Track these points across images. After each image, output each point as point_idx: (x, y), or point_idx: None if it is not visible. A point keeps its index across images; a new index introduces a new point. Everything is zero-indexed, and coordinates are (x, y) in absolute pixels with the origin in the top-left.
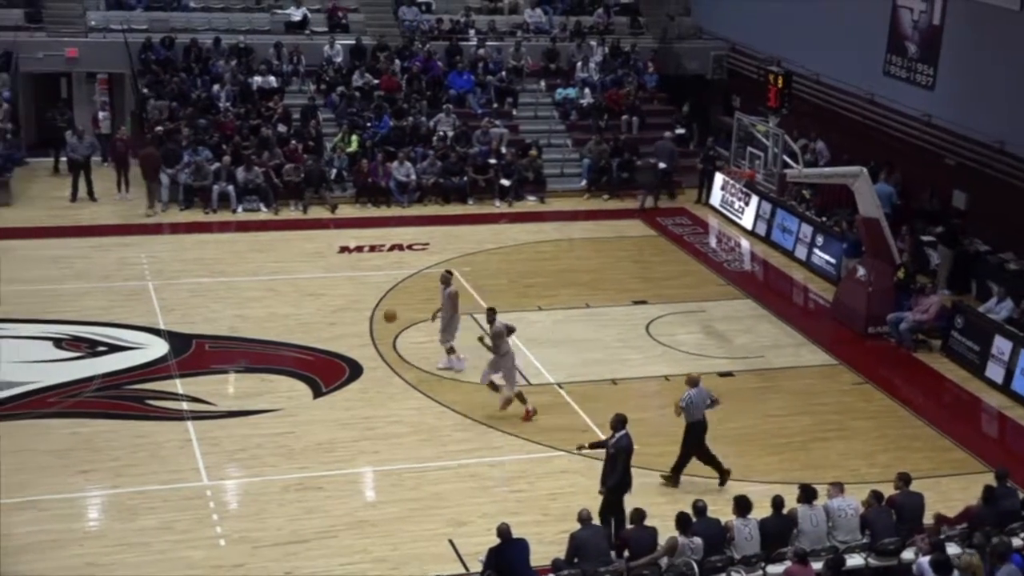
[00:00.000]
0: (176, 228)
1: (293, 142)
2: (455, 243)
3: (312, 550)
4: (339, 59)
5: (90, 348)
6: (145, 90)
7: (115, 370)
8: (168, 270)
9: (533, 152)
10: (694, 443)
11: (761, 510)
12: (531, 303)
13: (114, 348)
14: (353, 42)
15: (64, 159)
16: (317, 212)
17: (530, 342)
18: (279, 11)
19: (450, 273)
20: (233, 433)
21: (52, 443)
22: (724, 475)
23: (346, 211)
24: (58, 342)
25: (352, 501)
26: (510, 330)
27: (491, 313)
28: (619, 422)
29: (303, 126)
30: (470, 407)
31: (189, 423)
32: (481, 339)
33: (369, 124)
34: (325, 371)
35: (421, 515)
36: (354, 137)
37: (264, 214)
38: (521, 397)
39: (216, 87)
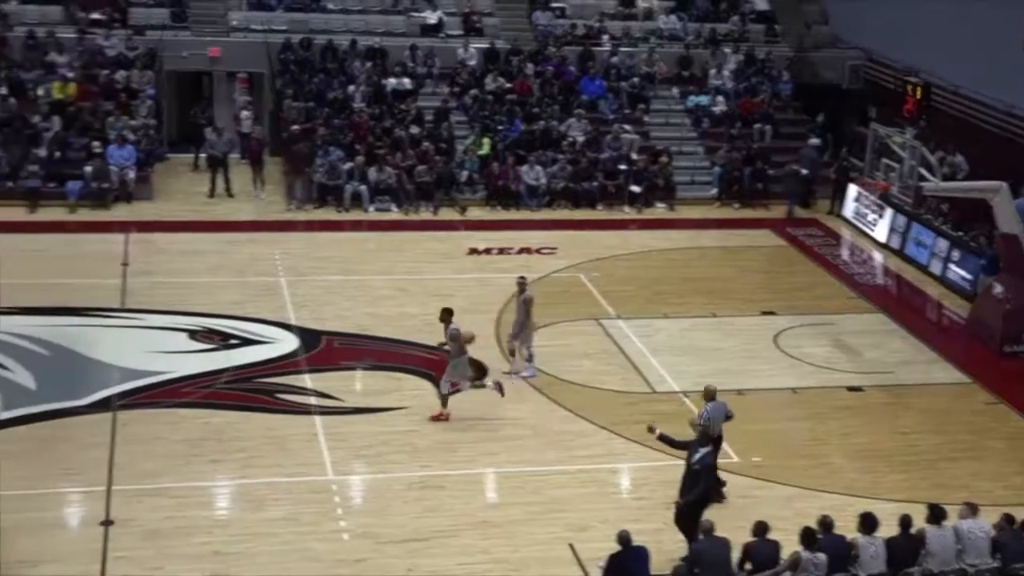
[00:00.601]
0: (309, 226)
1: (425, 144)
2: (583, 248)
3: (433, 548)
4: (473, 62)
5: (223, 341)
6: (283, 90)
7: (246, 363)
8: (300, 267)
9: (664, 159)
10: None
11: (887, 529)
12: (658, 310)
13: (246, 341)
14: (487, 46)
15: (203, 155)
16: (447, 214)
17: (655, 350)
18: (415, 14)
19: (524, 279)
20: (359, 429)
21: (184, 432)
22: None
23: (476, 213)
24: (192, 334)
25: (474, 501)
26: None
27: (446, 314)
28: (705, 439)
29: (436, 128)
30: (594, 412)
31: (316, 418)
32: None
33: (501, 127)
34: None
35: (542, 518)
36: (485, 140)
37: (395, 214)
38: (445, 400)
39: (351, 88)
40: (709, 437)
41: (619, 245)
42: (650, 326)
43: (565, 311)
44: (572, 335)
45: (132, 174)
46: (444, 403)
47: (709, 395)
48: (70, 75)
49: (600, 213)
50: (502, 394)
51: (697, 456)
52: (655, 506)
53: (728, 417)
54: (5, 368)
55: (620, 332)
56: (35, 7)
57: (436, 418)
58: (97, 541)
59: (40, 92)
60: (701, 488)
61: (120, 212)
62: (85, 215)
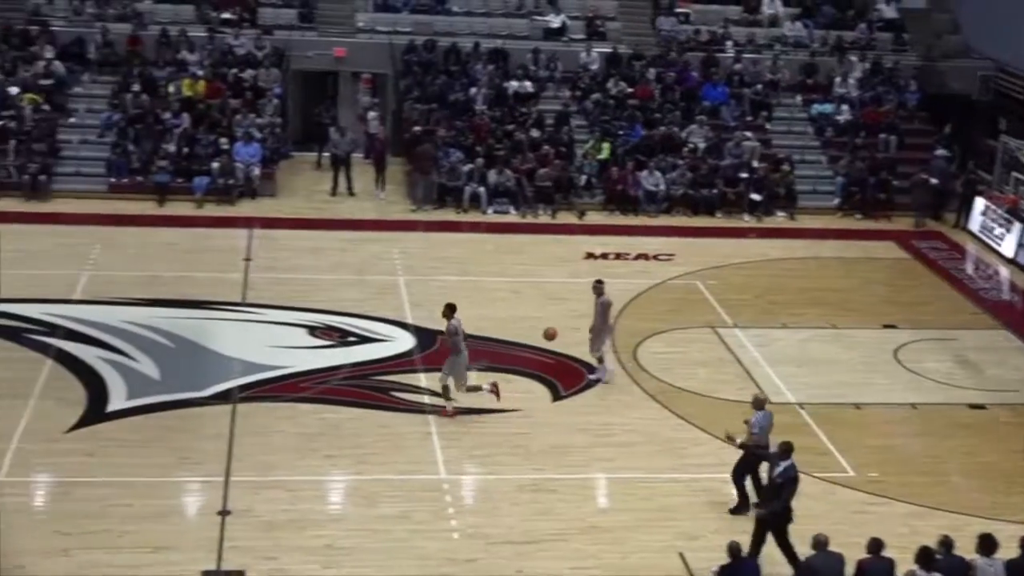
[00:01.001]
0: (428, 226)
1: (545, 147)
2: (701, 255)
3: (543, 551)
4: (595, 66)
5: (341, 338)
6: (406, 91)
7: (363, 360)
8: (418, 267)
9: (785, 167)
10: (754, 465)
11: (1007, 551)
12: (775, 320)
13: (364, 339)
14: (610, 50)
15: (326, 154)
16: (565, 217)
17: (772, 360)
18: (538, 18)
19: (601, 283)
20: (472, 430)
21: (300, 427)
22: (743, 506)
23: (594, 218)
24: (312, 330)
25: (584, 506)
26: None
27: (449, 310)
28: (786, 451)
29: (556, 132)
30: (708, 421)
31: (430, 417)
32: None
33: (621, 132)
34: (564, 375)
35: (652, 526)
36: (605, 144)
37: (513, 217)
38: (447, 392)
39: (473, 90)
40: (789, 450)
41: (737, 253)
42: (767, 336)
43: (681, 318)
44: (687, 342)
45: (257, 171)
46: (447, 395)
47: (758, 404)
48: (200, 73)
49: (719, 220)
50: (497, 397)
51: (779, 469)
52: None
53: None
54: (131, 358)
55: (736, 341)
56: (168, 6)
57: (444, 414)
58: (214, 530)
59: (171, 89)
60: (783, 502)
61: (244, 208)
62: (211, 210)
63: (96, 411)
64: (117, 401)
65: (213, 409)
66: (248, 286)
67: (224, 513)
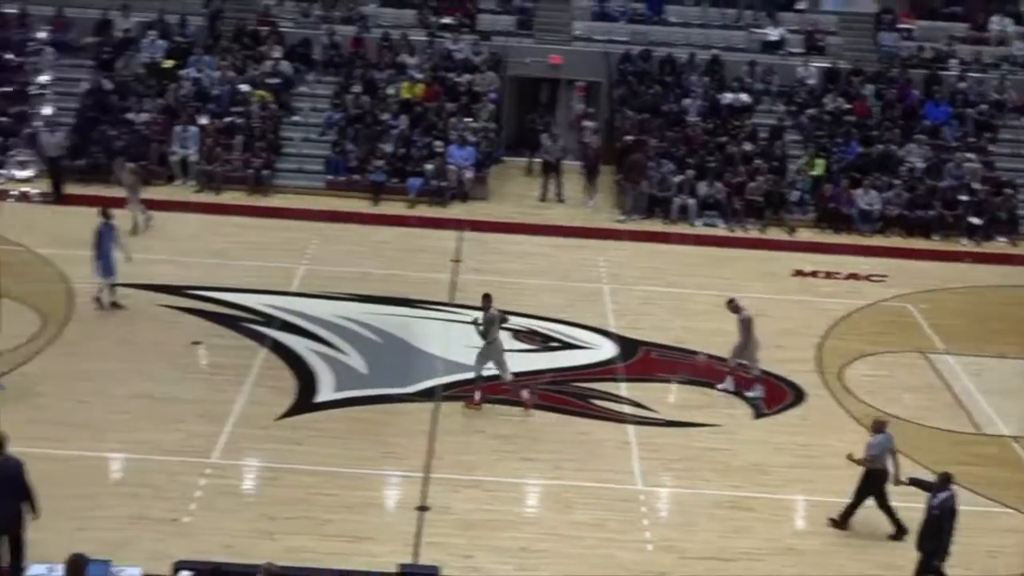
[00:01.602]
0: (635, 236)
1: (757, 161)
2: (915, 278)
3: (737, 570)
4: (812, 81)
5: (544, 343)
6: (620, 100)
7: (565, 366)
8: (623, 275)
9: (1008, 191)
10: (872, 491)
11: None
12: (993, 349)
13: (566, 345)
14: (828, 65)
15: (538, 160)
16: (775, 233)
17: (985, 390)
18: (756, 30)
19: (733, 300)
20: (671, 442)
21: (500, 428)
22: (900, 531)
23: (804, 235)
24: (516, 333)
25: (782, 527)
26: (502, 319)
27: (486, 300)
28: (945, 481)
29: (769, 146)
30: (912, 448)
31: (629, 427)
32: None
33: (836, 149)
34: (768, 393)
35: (851, 552)
36: (820, 161)
37: (721, 230)
38: (480, 379)
39: (687, 101)
40: (948, 479)
41: (953, 277)
42: (981, 364)
43: (890, 341)
44: (896, 366)
45: (470, 174)
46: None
47: (878, 427)
48: (419, 76)
49: (935, 243)
50: (527, 407)
51: (937, 500)
52: (973, 552)
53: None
54: (341, 351)
55: (947, 368)
56: (391, 10)
57: (471, 404)
58: (412, 525)
59: (390, 91)
60: (943, 535)
61: (455, 210)
62: (423, 211)
63: (305, 401)
64: (326, 392)
65: (417, 406)
66: (456, 287)
67: (423, 509)
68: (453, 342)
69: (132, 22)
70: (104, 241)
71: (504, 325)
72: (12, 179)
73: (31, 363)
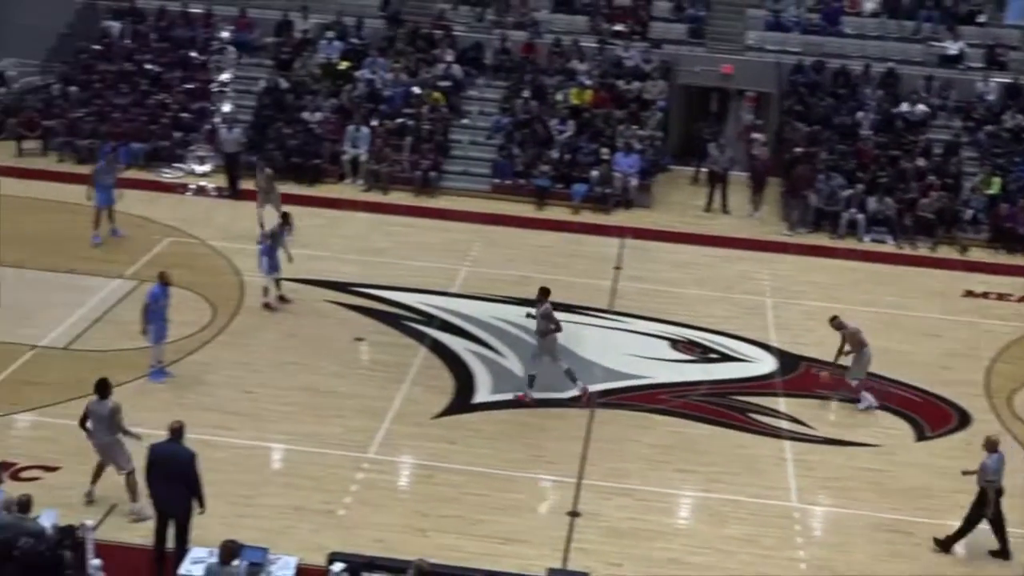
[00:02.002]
0: (800, 249)
1: (931, 177)
2: None
3: None
4: (992, 97)
5: (703, 353)
6: (790, 111)
7: (723, 378)
8: (787, 289)
9: None
10: (987, 509)
11: None
12: None
13: (725, 357)
14: (1010, 81)
15: (704, 170)
16: (946, 251)
17: None
18: (935, 43)
19: (836, 317)
20: (828, 460)
21: (654, 438)
22: (1005, 551)
23: (977, 254)
24: (674, 343)
25: (942, 555)
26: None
27: (542, 294)
28: None
29: (943, 162)
30: None
31: (786, 442)
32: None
33: (1014, 168)
34: (931, 415)
35: None
36: (996, 179)
37: (890, 246)
38: (532, 381)
39: (860, 114)
40: None
41: None
42: None
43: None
44: None
45: (635, 182)
46: (530, 384)
47: (991, 447)
48: (588, 82)
49: None
50: (585, 404)
51: None
52: None
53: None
54: (499, 353)
55: None
56: (564, 16)
57: (520, 399)
58: (562, 530)
59: (559, 97)
60: None
61: (619, 217)
62: (586, 217)
63: (462, 401)
64: (482, 393)
65: (572, 411)
66: (616, 294)
67: (574, 514)
68: (611, 349)
69: (311, 23)
70: (276, 241)
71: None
72: (191, 173)
73: (201, 352)
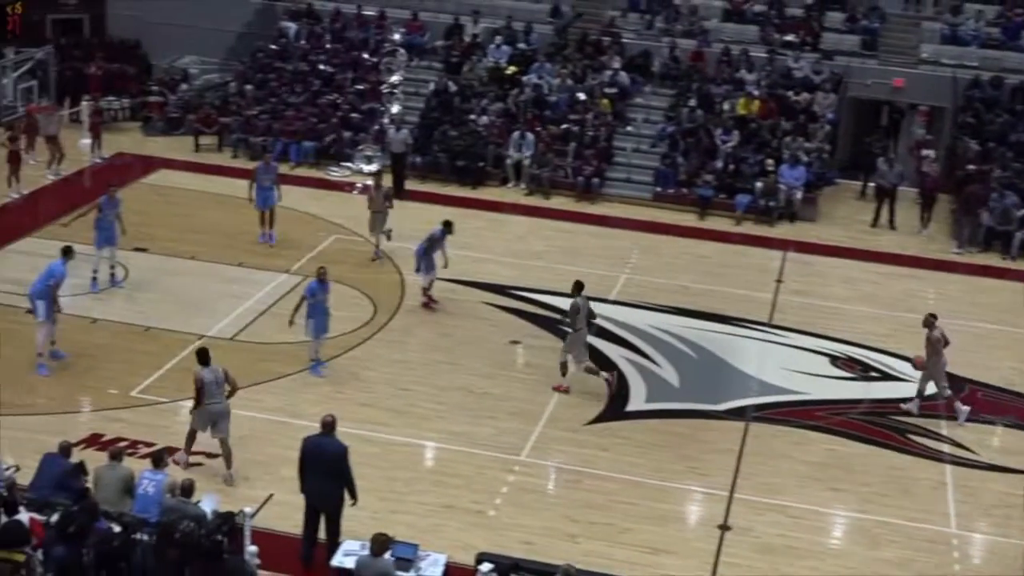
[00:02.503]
0: (969, 269)
1: None
2: None
3: None
4: None
5: (863, 371)
6: (963, 127)
7: (883, 398)
8: (954, 310)
9: None
10: None
11: None
12: None
13: (886, 376)
14: None
15: (872, 184)
16: None
17: None
18: None
19: (934, 317)
20: (991, 487)
21: (808, 455)
22: None
23: None
24: (834, 360)
25: None
26: (591, 313)
27: (576, 288)
28: None
29: None
30: None
31: (947, 467)
32: None
33: None
34: None
35: None
36: None
37: None
38: (564, 369)
39: None
40: None
41: None
42: None
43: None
44: None
45: (799, 195)
46: (563, 372)
47: None
48: (755, 93)
49: None
50: (610, 387)
51: None
52: None
53: None
54: (654, 362)
55: None
56: (734, 25)
57: (557, 389)
58: (712, 543)
59: (726, 107)
60: None
61: (782, 230)
62: (748, 228)
63: (616, 408)
64: (636, 402)
65: (726, 424)
66: (776, 308)
67: (724, 528)
68: (769, 363)
69: (481, 28)
70: (434, 244)
71: (593, 320)
72: (358, 172)
73: (360, 348)
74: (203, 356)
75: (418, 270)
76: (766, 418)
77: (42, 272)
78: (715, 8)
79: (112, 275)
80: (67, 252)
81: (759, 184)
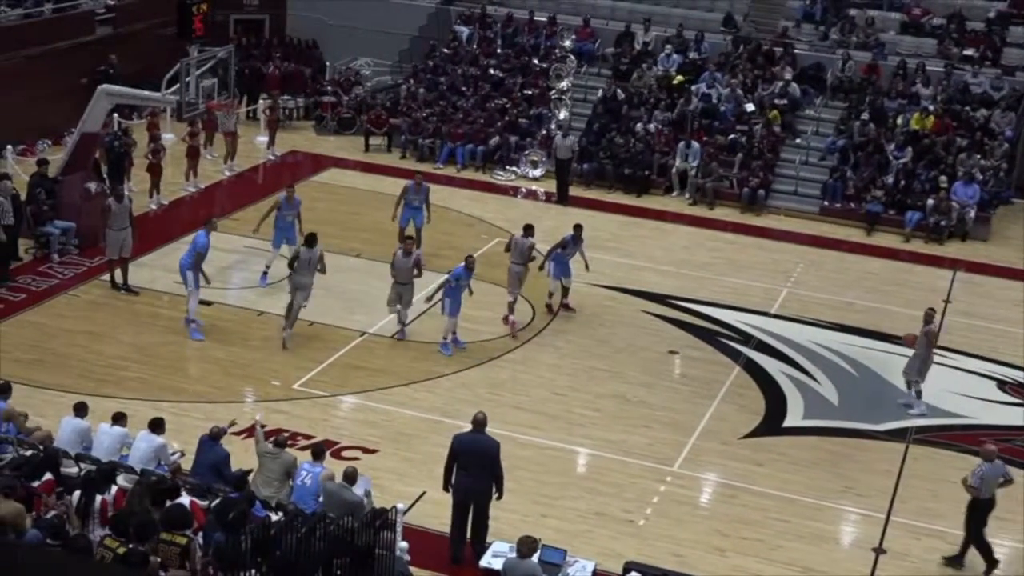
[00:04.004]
0: None
1: None
2: None
3: None
4: None
5: None
6: None
7: None
8: None
9: None
10: (980, 522)
11: None
12: None
13: None
14: None
15: None
16: None
17: None
18: None
19: (933, 311)
20: None
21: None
22: (991, 564)
23: None
24: (1002, 384)
25: None
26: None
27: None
28: None
29: None
30: None
31: None
32: None
33: None
34: None
35: None
36: None
37: None
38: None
39: None
40: None
41: None
42: None
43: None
44: None
45: (972, 213)
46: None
47: (987, 456)
48: (931, 108)
49: None
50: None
51: None
52: None
53: (1004, 482)
54: (814, 379)
55: None
56: (911, 38)
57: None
58: (866, 565)
59: (899, 121)
60: None
61: (952, 249)
62: (917, 246)
63: (772, 424)
64: (793, 418)
65: (885, 445)
66: (943, 328)
67: (879, 551)
68: (933, 384)
69: (652, 36)
70: (567, 249)
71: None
72: (523, 176)
73: (518, 351)
74: (309, 239)
75: (546, 272)
76: (928, 441)
77: (189, 245)
78: (892, 20)
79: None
80: (209, 223)
81: (930, 201)
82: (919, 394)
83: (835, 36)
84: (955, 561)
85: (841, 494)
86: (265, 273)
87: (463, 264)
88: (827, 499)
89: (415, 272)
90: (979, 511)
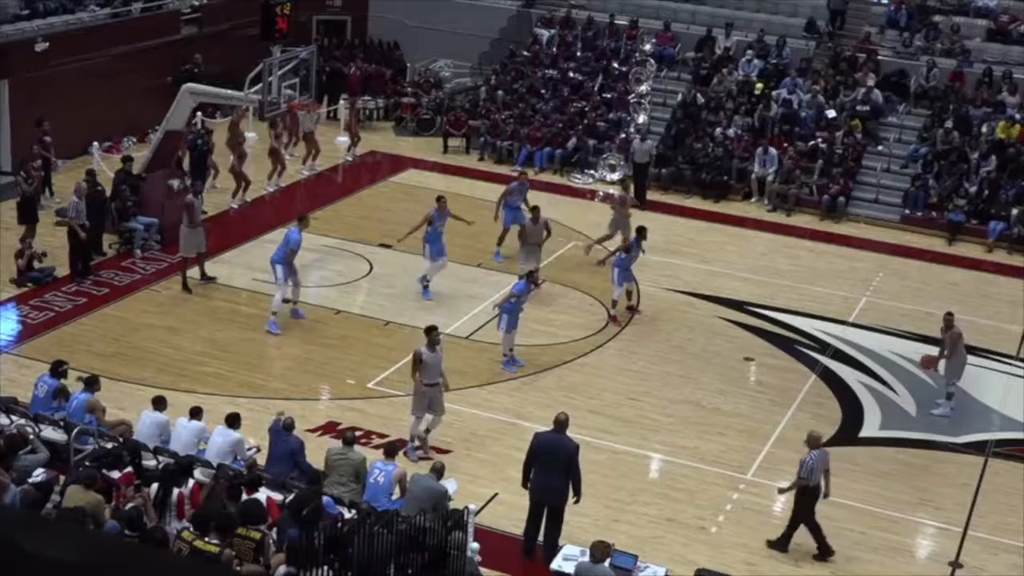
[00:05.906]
0: None
1: None
2: None
3: None
4: None
5: None
6: None
7: None
8: None
9: None
10: (807, 509)
11: None
12: None
13: None
14: None
15: None
16: None
17: None
18: None
19: (951, 315)
20: None
21: None
22: (825, 551)
23: None
24: None
25: None
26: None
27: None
28: None
29: None
30: None
31: None
32: None
33: None
34: None
35: None
36: None
37: None
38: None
39: None
40: None
41: None
42: None
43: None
44: None
45: None
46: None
47: (813, 442)
48: (1017, 116)
49: None
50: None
51: None
52: None
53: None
54: (892, 389)
55: None
56: (998, 46)
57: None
58: None
59: (984, 129)
60: None
61: None
62: (1001, 257)
63: (848, 433)
64: (870, 428)
65: (964, 457)
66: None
67: (955, 565)
68: (1014, 397)
69: (733, 40)
70: (630, 254)
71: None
72: (601, 180)
73: (593, 355)
74: (430, 332)
75: (615, 281)
76: (1008, 455)
77: (281, 241)
78: (978, 27)
79: (426, 286)
80: (302, 219)
81: (1015, 211)
82: (950, 396)
83: (919, 43)
84: (778, 545)
85: (917, 506)
86: (426, 287)
87: (524, 280)
88: (903, 511)
89: (545, 234)
90: (808, 498)
